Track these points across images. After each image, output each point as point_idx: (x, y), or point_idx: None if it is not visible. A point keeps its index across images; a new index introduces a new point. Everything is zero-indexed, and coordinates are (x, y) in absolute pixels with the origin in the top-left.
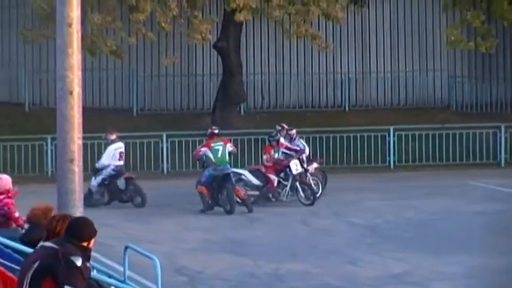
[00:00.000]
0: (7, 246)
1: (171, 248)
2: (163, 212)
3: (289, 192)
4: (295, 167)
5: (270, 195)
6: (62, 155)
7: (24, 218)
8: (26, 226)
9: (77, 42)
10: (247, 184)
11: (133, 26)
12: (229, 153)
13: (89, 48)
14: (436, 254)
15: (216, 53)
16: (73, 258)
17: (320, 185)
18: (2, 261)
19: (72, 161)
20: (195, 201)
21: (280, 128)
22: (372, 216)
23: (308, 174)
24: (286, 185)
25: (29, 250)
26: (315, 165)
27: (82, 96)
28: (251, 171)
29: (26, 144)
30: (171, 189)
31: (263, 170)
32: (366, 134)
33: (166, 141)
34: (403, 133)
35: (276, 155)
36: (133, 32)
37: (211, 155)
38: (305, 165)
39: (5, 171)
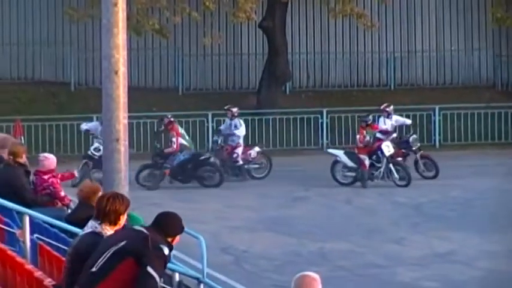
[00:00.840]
0: (53, 226)
1: (216, 227)
2: (208, 191)
3: (384, 174)
4: (387, 148)
5: (366, 177)
6: (108, 134)
7: (70, 197)
8: (72, 205)
9: (122, 21)
10: (343, 165)
11: (177, 5)
12: None
13: (134, 27)
14: (481, 233)
15: (261, 32)
16: (162, 246)
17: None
18: (49, 240)
19: (118, 140)
20: (239, 180)
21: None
22: (416, 195)
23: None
24: (379, 167)
25: (75, 229)
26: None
27: (127, 75)
28: (346, 153)
29: (71, 123)
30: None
31: (356, 151)
32: (411, 113)
33: (212, 121)
34: (449, 112)
35: (368, 138)
36: (178, 11)
37: (185, 142)
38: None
39: (50, 151)
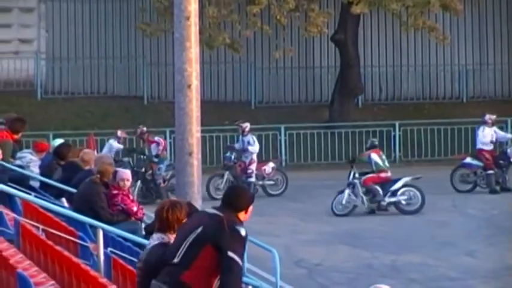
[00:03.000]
0: (127, 240)
1: (289, 240)
2: (282, 205)
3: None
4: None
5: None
6: (181, 148)
7: (143, 210)
8: (146, 219)
9: (194, 35)
10: None
11: (249, 19)
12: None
13: (206, 41)
14: None
15: (332, 45)
16: (238, 227)
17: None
18: (122, 254)
19: (191, 154)
20: (313, 193)
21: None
22: (489, 208)
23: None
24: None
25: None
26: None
27: (200, 89)
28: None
29: None
30: (290, 182)
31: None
32: None
33: (285, 134)
34: None
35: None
36: (249, 25)
37: (380, 162)
38: None
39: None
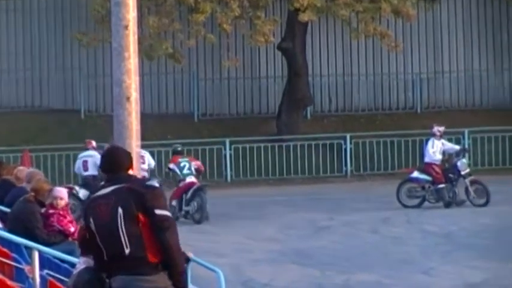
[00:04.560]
0: (64, 261)
1: (236, 260)
2: (227, 222)
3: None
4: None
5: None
6: None
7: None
8: None
9: (133, 45)
10: None
11: (192, 28)
12: (196, 170)
13: (146, 51)
14: None
15: (280, 54)
16: (148, 182)
17: None
18: (59, 276)
19: None
20: (260, 210)
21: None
22: (446, 223)
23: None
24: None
25: None
26: None
27: (140, 101)
28: None
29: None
30: (235, 198)
31: None
32: None
33: (230, 148)
34: (479, 135)
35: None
36: (192, 34)
37: (178, 170)
38: None
39: (60, 182)
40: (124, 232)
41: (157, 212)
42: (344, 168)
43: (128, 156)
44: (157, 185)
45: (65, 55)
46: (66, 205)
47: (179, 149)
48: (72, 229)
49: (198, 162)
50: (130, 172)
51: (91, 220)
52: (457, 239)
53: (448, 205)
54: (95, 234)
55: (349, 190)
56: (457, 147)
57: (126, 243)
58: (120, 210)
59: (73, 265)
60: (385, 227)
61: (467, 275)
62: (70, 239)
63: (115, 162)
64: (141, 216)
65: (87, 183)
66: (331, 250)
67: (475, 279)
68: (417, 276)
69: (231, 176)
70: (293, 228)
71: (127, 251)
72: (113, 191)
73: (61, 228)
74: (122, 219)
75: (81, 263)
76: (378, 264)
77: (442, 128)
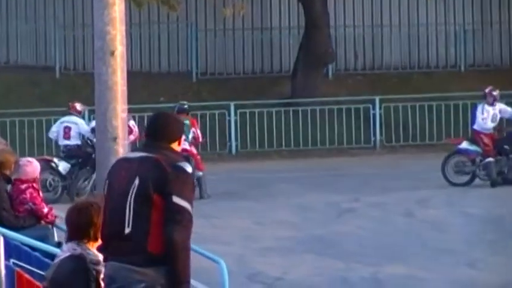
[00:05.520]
0: (35, 249)
1: (241, 249)
2: (231, 204)
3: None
4: None
5: None
6: (103, 131)
7: (55, 212)
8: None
9: None
10: None
11: None
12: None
13: None
14: None
15: (296, 0)
16: (180, 163)
17: None
18: (29, 267)
19: (115, 139)
20: (270, 189)
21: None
22: (495, 206)
23: None
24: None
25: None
26: None
27: (127, 57)
28: None
29: (56, 118)
30: (241, 174)
31: None
32: None
33: (235, 114)
34: None
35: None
36: None
37: None
38: None
39: (30, 153)
40: (131, 208)
41: (175, 199)
42: (372, 138)
43: (178, 127)
44: (188, 169)
45: (37, 1)
46: (36, 181)
47: (185, 106)
48: (45, 210)
49: (198, 131)
50: (175, 146)
51: (107, 182)
52: (508, 226)
53: (494, 184)
54: (105, 201)
55: (378, 165)
56: None
57: (129, 221)
58: (137, 181)
59: (47, 254)
60: (421, 210)
61: None
62: (43, 222)
63: (158, 128)
64: (156, 198)
65: (70, 154)
66: (357, 237)
67: None
68: (460, 269)
69: (237, 147)
70: (311, 211)
71: (127, 230)
72: (140, 157)
73: (34, 208)
74: (134, 193)
75: (64, 250)
76: (412, 254)
77: (496, 92)
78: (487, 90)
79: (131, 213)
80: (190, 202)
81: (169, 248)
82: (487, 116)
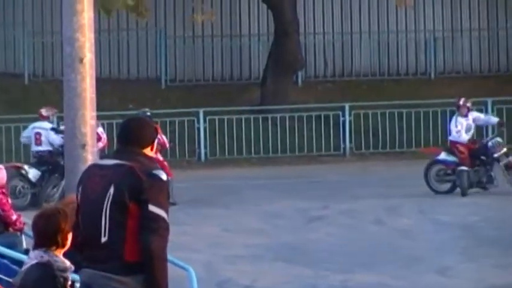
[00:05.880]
0: (3, 256)
1: (210, 256)
2: (200, 211)
3: None
4: None
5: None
6: (71, 138)
7: (23, 219)
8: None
9: None
10: None
11: None
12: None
13: (102, 3)
14: None
15: (265, 7)
16: (155, 171)
17: None
18: None
19: (84, 146)
20: (240, 196)
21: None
22: (466, 213)
23: None
24: None
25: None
26: None
27: (96, 64)
28: None
29: (25, 124)
30: (211, 181)
31: None
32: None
33: (204, 121)
34: (504, 106)
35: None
36: None
37: None
38: None
39: None
40: (107, 217)
41: (151, 208)
42: (342, 145)
43: (150, 132)
44: (163, 177)
45: (6, 7)
46: (4, 187)
47: (148, 113)
48: (14, 217)
49: (163, 137)
50: (148, 151)
51: (80, 189)
52: (478, 232)
53: (464, 193)
54: (79, 208)
55: (348, 172)
56: (494, 119)
57: (105, 230)
58: (112, 189)
59: (15, 261)
60: (391, 218)
61: (490, 276)
62: (11, 229)
63: (130, 133)
64: (132, 206)
65: (40, 160)
66: (327, 245)
67: (498, 280)
68: (430, 276)
69: (206, 154)
70: (280, 218)
71: (103, 239)
72: (114, 165)
73: (2, 214)
74: (110, 202)
75: (31, 257)
76: (382, 262)
77: (469, 103)
78: (460, 103)
79: (107, 222)
80: (166, 210)
81: (146, 256)
82: (461, 128)
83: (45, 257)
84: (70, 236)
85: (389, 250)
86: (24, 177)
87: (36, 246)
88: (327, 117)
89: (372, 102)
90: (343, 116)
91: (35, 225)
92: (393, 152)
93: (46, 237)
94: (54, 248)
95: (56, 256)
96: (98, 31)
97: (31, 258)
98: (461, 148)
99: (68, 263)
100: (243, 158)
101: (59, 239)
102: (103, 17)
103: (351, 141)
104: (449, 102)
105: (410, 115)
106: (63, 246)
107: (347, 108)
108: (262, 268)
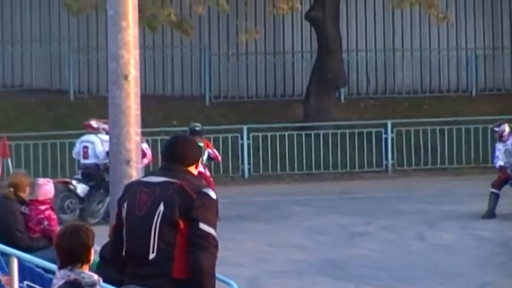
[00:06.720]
0: (48, 271)
1: (254, 271)
2: (243, 226)
3: None
4: None
5: None
6: (116, 154)
7: None
8: None
9: (133, 12)
10: None
11: None
12: (210, 159)
13: (147, 20)
14: None
15: (308, 25)
16: (205, 190)
17: None
18: None
19: (128, 162)
20: (283, 212)
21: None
22: (506, 228)
23: None
24: None
25: None
26: None
27: (140, 81)
28: None
29: (71, 141)
30: (254, 197)
31: None
32: None
33: (248, 137)
34: None
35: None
36: (201, 1)
37: None
38: None
39: (45, 175)
40: (156, 234)
41: (202, 226)
42: (384, 162)
43: (195, 150)
44: (213, 195)
45: (52, 25)
46: (52, 202)
47: (197, 128)
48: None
49: (215, 151)
50: (193, 170)
51: (125, 205)
52: None
53: (484, 215)
54: (123, 223)
55: (390, 188)
56: None
57: (154, 247)
58: (161, 207)
59: None
60: (432, 233)
61: None
62: None
63: (177, 151)
64: (181, 223)
65: (88, 173)
66: (369, 260)
67: None
68: None
69: (249, 170)
70: (323, 234)
71: (151, 256)
72: (161, 182)
73: (47, 228)
74: (159, 219)
75: (58, 278)
76: (423, 277)
77: (503, 130)
78: (499, 133)
79: (156, 239)
80: (215, 228)
81: (195, 273)
82: (498, 155)
83: (72, 276)
84: (93, 252)
85: (431, 266)
86: (72, 193)
87: (62, 265)
88: (369, 134)
89: (413, 119)
90: (386, 132)
91: (58, 245)
92: (435, 168)
93: (72, 255)
94: (79, 265)
95: (83, 272)
96: (143, 48)
97: (58, 279)
98: (500, 172)
99: (95, 276)
100: (286, 174)
101: (83, 256)
102: (148, 34)
103: (393, 158)
104: (490, 119)
105: (451, 132)
106: (88, 262)
107: (389, 125)
108: (305, 283)
